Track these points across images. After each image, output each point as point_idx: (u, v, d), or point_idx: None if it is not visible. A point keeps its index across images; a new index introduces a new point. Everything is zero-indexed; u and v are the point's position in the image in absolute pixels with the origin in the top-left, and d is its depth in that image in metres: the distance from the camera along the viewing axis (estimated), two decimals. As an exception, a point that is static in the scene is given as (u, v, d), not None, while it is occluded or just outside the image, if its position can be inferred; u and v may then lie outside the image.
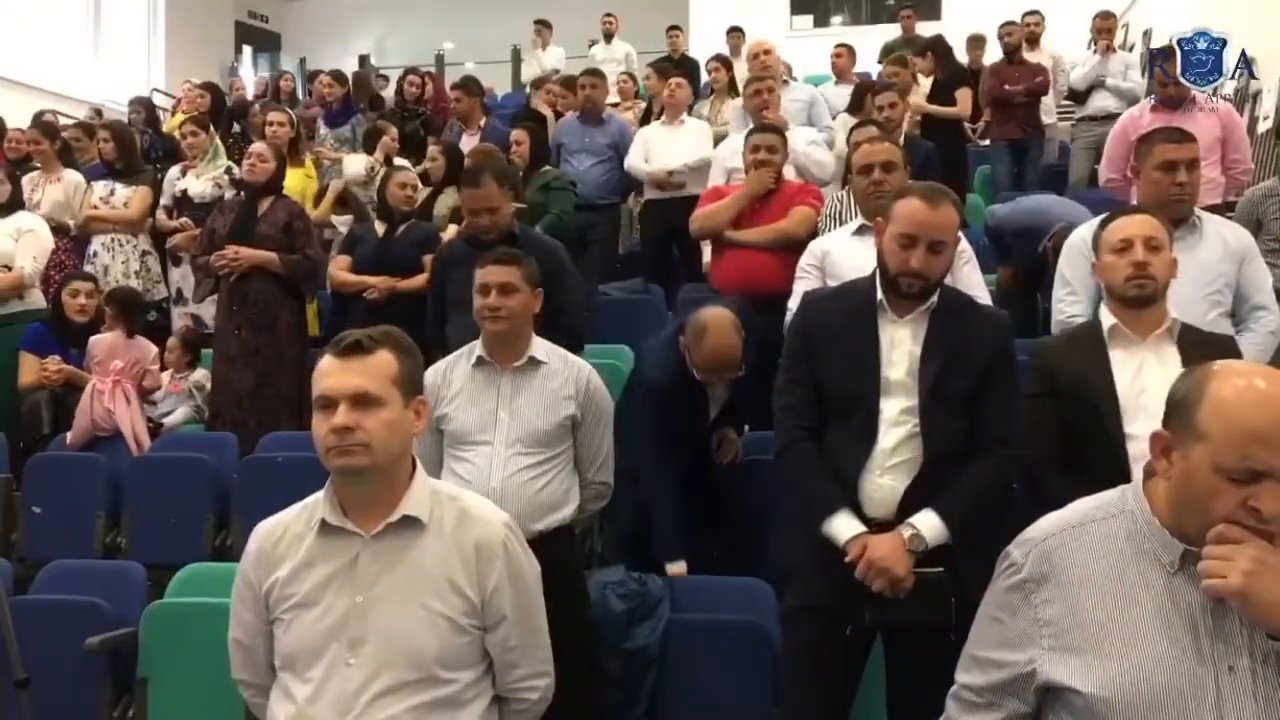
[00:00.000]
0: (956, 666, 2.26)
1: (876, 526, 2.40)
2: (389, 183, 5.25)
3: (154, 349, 5.16)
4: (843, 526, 2.40)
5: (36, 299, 5.42)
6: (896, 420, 2.43)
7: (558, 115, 7.49)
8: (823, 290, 2.68)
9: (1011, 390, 2.53)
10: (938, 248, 2.44)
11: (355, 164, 6.63)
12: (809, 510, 2.48)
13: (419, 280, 4.94)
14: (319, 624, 1.88)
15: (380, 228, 5.28)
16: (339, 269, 5.10)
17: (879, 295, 2.50)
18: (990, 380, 2.45)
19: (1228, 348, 2.66)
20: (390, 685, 1.84)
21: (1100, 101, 7.56)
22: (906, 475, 2.41)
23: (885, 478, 2.41)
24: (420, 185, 5.44)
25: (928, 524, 2.36)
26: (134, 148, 6.56)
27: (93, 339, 4.97)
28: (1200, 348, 2.56)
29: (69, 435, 4.75)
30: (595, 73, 7.09)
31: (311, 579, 1.90)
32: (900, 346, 2.46)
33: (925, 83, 7.76)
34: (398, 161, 6.36)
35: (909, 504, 2.40)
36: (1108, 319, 2.70)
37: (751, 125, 4.96)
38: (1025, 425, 2.74)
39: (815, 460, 2.50)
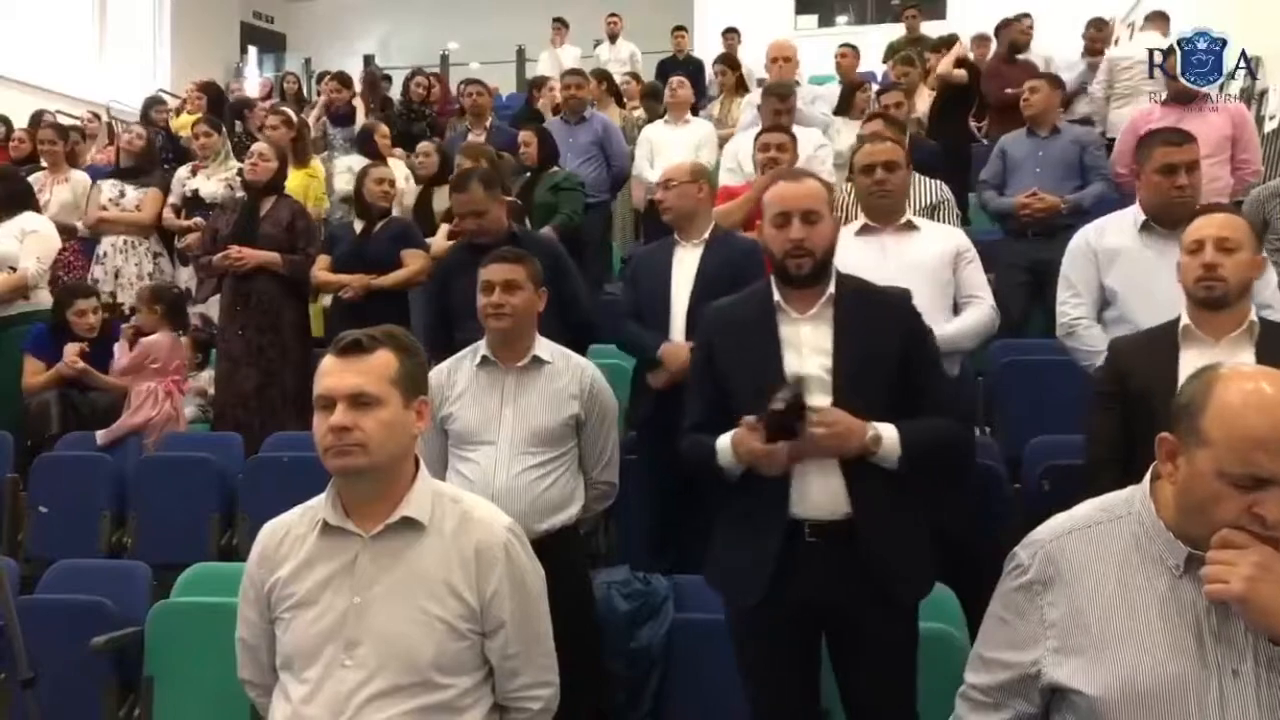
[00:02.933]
0: (902, 649, 2.30)
1: (811, 527, 2.35)
2: (365, 180, 5.26)
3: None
4: (723, 440, 2.39)
5: (43, 299, 5.40)
6: None
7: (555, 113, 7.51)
8: (724, 299, 2.68)
9: (934, 369, 2.54)
10: (812, 217, 2.42)
11: (358, 166, 6.63)
12: (705, 463, 2.44)
13: (396, 276, 4.95)
14: (317, 624, 1.87)
15: (359, 226, 5.28)
16: (319, 268, 5.10)
17: (776, 296, 2.48)
18: (912, 367, 2.43)
19: None
20: (385, 688, 1.83)
21: (1083, 108, 7.63)
22: (837, 473, 2.35)
23: (818, 479, 2.36)
24: (396, 182, 5.43)
25: (888, 434, 2.33)
26: (155, 150, 6.59)
27: (147, 341, 4.91)
28: None
29: (101, 433, 4.73)
30: (577, 72, 7.11)
31: (311, 579, 1.90)
32: (807, 343, 2.42)
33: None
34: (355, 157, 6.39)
35: (858, 504, 2.34)
36: (1184, 319, 2.66)
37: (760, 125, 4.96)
38: (1090, 425, 2.75)
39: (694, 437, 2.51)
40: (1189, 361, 2.57)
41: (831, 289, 2.46)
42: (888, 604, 2.37)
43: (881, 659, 2.40)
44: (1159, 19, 8.14)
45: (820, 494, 2.35)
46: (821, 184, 2.54)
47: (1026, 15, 8.57)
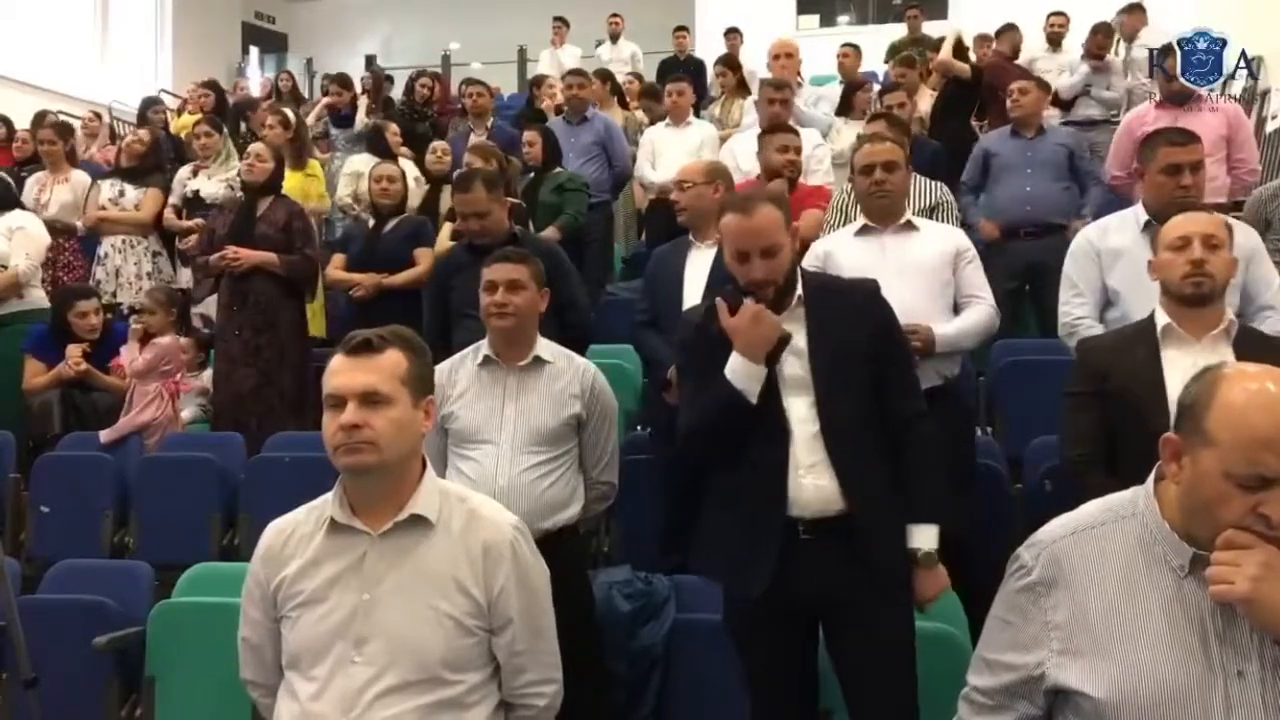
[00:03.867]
0: (902, 640, 2.29)
1: (805, 525, 2.38)
2: (369, 179, 5.28)
3: None
4: (730, 365, 2.39)
5: (37, 298, 5.40)
6: (805, 418, 2.41)
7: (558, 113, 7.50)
8: (694, 308, 2.68)
9: (906, 358, 2.57)
10: (771, 251, 2.41)
11: (363, 167, 6.65)
12: (719, 403, 2.42)
13: (406, 275, 4.96)
14: (325, 622, 1.88)
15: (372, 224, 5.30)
16: (334, 267, 5.12)
17: (746, 301, 2.47)
18: (884, 357, 2.47)
19: None
20: (394, 685, 1.84)
21: (1084, 110, 7.66)
22: (827, 471, 2.38)
23: (808, 478, 2.38)
24: (403, 180, 5.42)
25: (924, 538, 2.41)
26: (160, 152, 6.60)
27: (162, 344, 4.93)
28: (1260, 351, 2.49)
29: (105, 432, 4.75)
30: (580, 72, 7.13)
31: (319, 577, 1.91)
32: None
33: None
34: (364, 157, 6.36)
35: (852, 499, 2.37)
36: (1161, 318, 2.66)
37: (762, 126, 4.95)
38: (1068, 425, 2.75)
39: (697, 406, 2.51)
40: (1171, 360, 2.59)
41: (800, 290, 2.47)
42: (884, 595, 2.39)
43: (880, 651, 2.41)
44: (1137, 10, 8.18)
45: (813, 492, 2.37)
46: (774, 208, 2.48)
47: (1061, 13, 8.59)
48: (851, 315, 2.48)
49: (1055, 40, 8.53)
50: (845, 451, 2.38)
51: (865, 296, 2.54)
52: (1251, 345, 2.57)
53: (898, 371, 2.51)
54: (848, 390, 2.41)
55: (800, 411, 2.41)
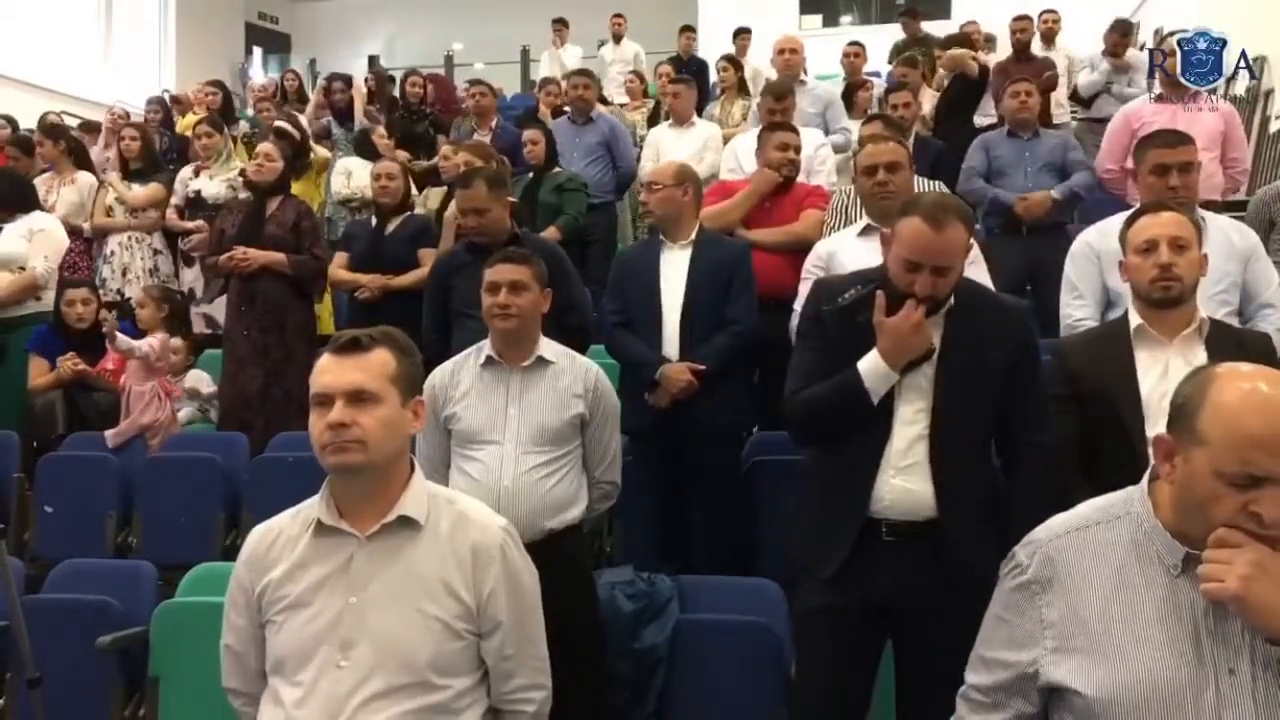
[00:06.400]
0: (965, 665, 2.26)
1: (888, 527, 2.37)
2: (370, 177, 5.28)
3: None
4: (865, 363, 2.36)
5: (53, 301, 5.42)
6: (911, 419, 2.39)
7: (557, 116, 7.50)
8: (836, 279, 2.63)
9: (1038, 386, 2.50)
10: (944, 271, 2.33)
11: (353, 167, 6.67)
12: (839, 394, 2.40)
13: (412, 276, 4.96)
14: (311, 625, 1.85)
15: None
16: (337, 266, 5.13)
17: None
18: (1017, 381, 2.43)
19: (1261, 346, 2.61)
20: (381, 689, 1.81)
21: (1105, 108, 7.63)
22: (922, 476, 2.37)
23: (899, 479, 2.37)
24: (396, 175, 5.41)
25: None
26: (155, 149, 6.61)
27: (154, 341, 4.94)
28: (1231, 347, 2.51)
29: (110, 434, 4.75)
30: (584, 73, 7.14)
31: (305, 580, 1.88)
32: None
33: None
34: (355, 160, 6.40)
35: (946, 508, 2.35)
36: (1134, 319, 2.66)
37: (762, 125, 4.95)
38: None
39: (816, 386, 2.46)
40: (1144, 361, 2.60)
41: (951, 300, 2.42)
42: (968, 610, 2.35)
43: (952, 664, 2.38)
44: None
45: (901, 494, 2.36)
46: (963, 227, 2.36)
47: (1052, 11, 8.57)
48: (994, 332, 2.43)
49: (1050, 37, 8.51)
50: (949, 461, 2.36)
51: (1015, 317, 2.51)
52: (1223, 343, 2.58)
53: (1026, 397, 2.46)
54: (966, 404, 2.38)
55: (907, 413, 2.39)
